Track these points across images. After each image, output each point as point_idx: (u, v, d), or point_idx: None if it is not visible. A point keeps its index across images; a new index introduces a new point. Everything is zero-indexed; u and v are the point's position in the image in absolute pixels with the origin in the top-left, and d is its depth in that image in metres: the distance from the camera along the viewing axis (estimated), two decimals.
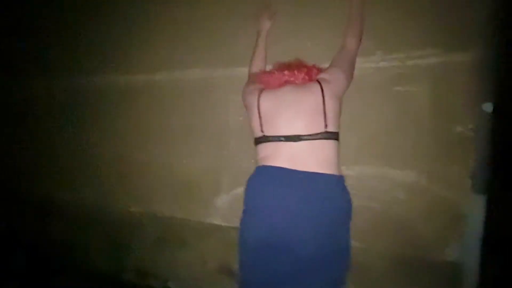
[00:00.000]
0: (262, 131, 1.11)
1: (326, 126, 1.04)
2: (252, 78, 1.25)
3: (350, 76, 1.14)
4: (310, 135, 1.04)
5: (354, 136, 1.28)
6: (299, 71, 1.14)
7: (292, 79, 1.12)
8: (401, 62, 1.21)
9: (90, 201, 1.98)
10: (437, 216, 1.22)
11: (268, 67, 1.30)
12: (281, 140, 1.07)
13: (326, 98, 1.05)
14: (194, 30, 1.57)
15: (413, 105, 1.21)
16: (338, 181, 1.06)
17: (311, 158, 1.04)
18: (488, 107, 1.17)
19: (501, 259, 1.23)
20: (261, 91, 1.15)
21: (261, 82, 1.18)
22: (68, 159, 2.04)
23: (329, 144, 1.05)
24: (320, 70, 1.16)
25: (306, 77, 1.13)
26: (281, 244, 1.00)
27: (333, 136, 1.06)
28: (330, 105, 1.05)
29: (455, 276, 1.21)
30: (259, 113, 1.12)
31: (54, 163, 2.10)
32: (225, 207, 1.58)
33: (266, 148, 1.11)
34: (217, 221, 1.61)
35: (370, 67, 1.25)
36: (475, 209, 1.17)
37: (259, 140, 1.14)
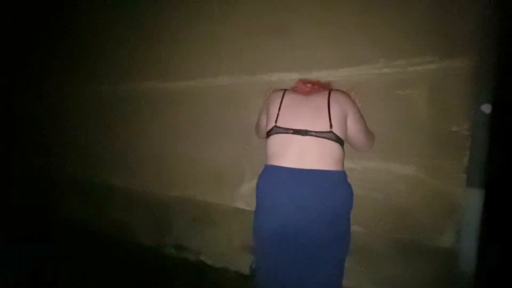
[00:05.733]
0: (276, 121, 1.18)
1: (331, 126, 1.11)
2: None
3: (363, 127, 1.22)
4: (316, 132, 1.11)
5: None
6: (318, 85, 1.30)
7: (312, 90, 1.27)
8: (402, 68, 1.33)
9: (138, 187, 2.25)
10: (434, 206, 1.33)
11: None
12: (290, 133, 1.13)
13: (331, 102, 1.15)
14: (222, 45, 1.77)
15: (413, 107, 1.33)
16: (341, 176, 1.14)
17: (317, 154, 1.10)
18: (486, 108, 1.26)
19: (497, 248, 1.33)
20: (286, 90, 1.28)
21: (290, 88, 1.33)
22: (121, 153, 2.31)
23: (334, 145, 1.11)
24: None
25: (321, 89, 1.28)
26: (291, 234, 1.10)
27: (338, 140, 1.13)
28: (335, 110, 1.13)
29: (451, 261, 1.32)
30: (280, 106, 1.21)
31: (109, 155, 2.39)
32: (247, 193, 1.76)
33: (275, 143, 1.16)
34: (241, 205, 1.81)
35: (374, 73, 1.39)
36: (469, 201, 1.28)
37: (270, 132, 1.19)
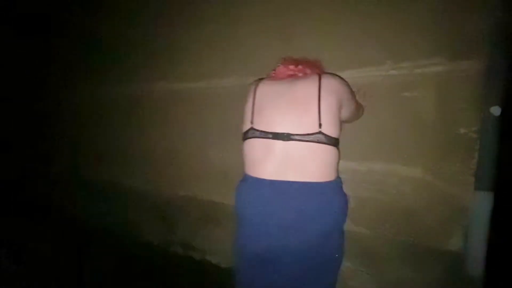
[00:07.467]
0: (251, 122, 0.99)
1: (320, 125, 0.91)
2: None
3: (355, 107, 1.11)
4: (301, 135, 0.91)
5: (365, 135, 1.41)
6: (304, 65, 1.08)
7: (296, 73, 1.07)
8: (409, 70, 1.32)
9: (146, 186, 2.29)
10: (441, 209, 1.31)
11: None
12: (269, 137, 0.94)
13: (322, 92, 0.94)
14: (229, 46, 1.78)
15: (420, 109, 1.31)
16: (331, 187, 0.96)
17: (303, 163, 0.92)
18: (496, 110, 1.24)
19: (507, 253, 1.30)
20: (260, 80, 1.08)
21: (267, 76, 1.14)
22: (129, 152, 2.35)
23: (324, 148, 0.92)
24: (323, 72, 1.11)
25: (308, 70, 1.07)
26: (275, 256, 0.96)
27: (330, 141, 0.93)
28: (327, 102, 0.93)
29: (458, 265, 1.29)
30: (253, 101, 1.02)
31: (117, 155, 2.43)
32: None
33: (253, 149, 0.98)
34: None
35: (380, 75, 1.38)
36: (478, 204, 1.26)
37: (246, 135, 1.00)
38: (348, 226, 1.43)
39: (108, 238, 2.39)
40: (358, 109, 1.18)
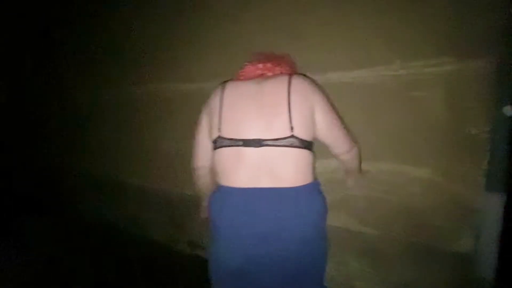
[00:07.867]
0: (219, 130, 0.93)
1: (292, 129, 0.87)
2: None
3: (335, 118, 1.00)
4: (273, 139, 0.88)
5: (373, 135, 1.40)
6: (273, 63, 1.02)
7: (266, 72, 1.01)
8: (418, 69, 1.30)
9: (154, 186, 2.31)
10: (451, 210, 1.29)
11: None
12: (239, 145, 0.89)
13: (292, 93, 0.89)
14: (236, 46, 1.78)
15: (429, 108, 1.29)
16: (309, 190, 0.92)
17: (276, 168, 0.88)
18: (508, 110, 1.22)
19: None
20: (226, 82, 1.02)
21: (234, 77, 1.09)
22: (136, 151, 2.39)
23: (298, 152, 0.88)
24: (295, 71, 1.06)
25: (278, 69, 1.02)
26: (254, 270, 0.92)
27: (304, 144, 0.89)
28: (297, 104, 0.89)
29: (468, 266, 1.28)
30: (220, 107, 0.95)
31: (124, 154, 2.46)
32: None
33: (223, 158, 0.93)
34: None
35: (389, 74, 1.36)
36: (489, 205, 1.24)
37: (215, 145, 0.95)
38: (356, 226, 1.46)
39: (115, 237, 2.43)
40: (342, 128, 1.03)
